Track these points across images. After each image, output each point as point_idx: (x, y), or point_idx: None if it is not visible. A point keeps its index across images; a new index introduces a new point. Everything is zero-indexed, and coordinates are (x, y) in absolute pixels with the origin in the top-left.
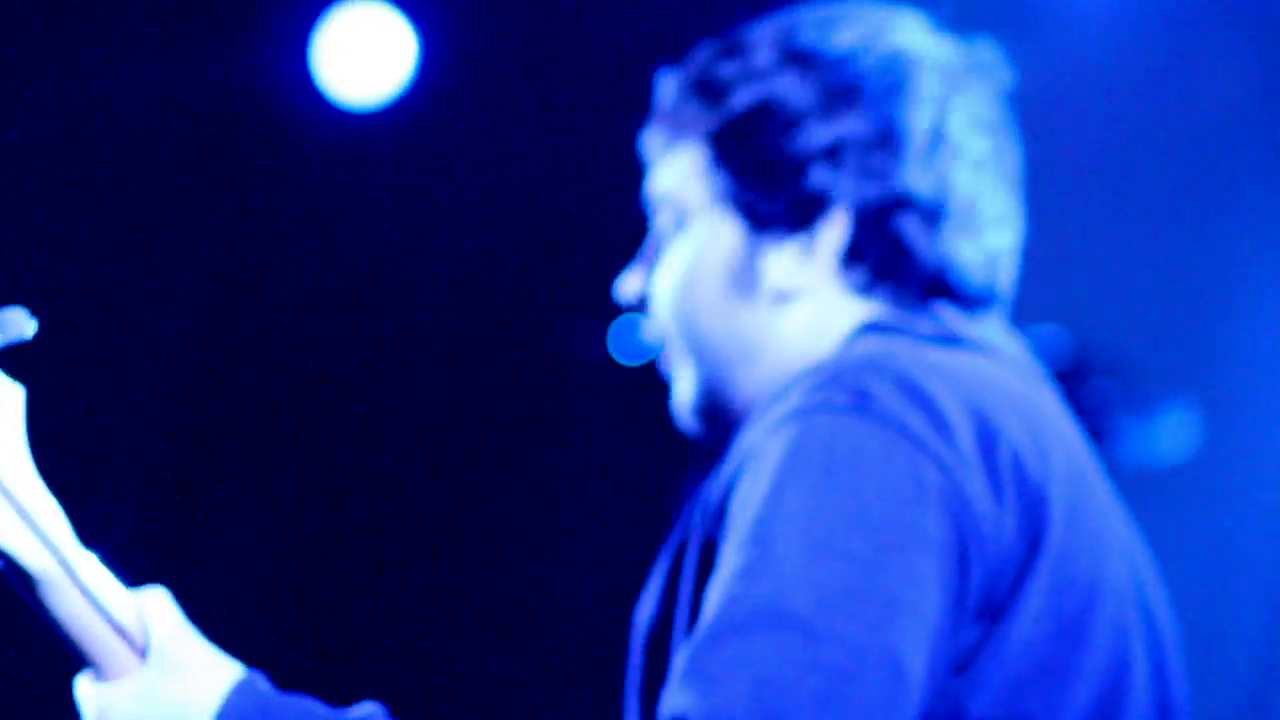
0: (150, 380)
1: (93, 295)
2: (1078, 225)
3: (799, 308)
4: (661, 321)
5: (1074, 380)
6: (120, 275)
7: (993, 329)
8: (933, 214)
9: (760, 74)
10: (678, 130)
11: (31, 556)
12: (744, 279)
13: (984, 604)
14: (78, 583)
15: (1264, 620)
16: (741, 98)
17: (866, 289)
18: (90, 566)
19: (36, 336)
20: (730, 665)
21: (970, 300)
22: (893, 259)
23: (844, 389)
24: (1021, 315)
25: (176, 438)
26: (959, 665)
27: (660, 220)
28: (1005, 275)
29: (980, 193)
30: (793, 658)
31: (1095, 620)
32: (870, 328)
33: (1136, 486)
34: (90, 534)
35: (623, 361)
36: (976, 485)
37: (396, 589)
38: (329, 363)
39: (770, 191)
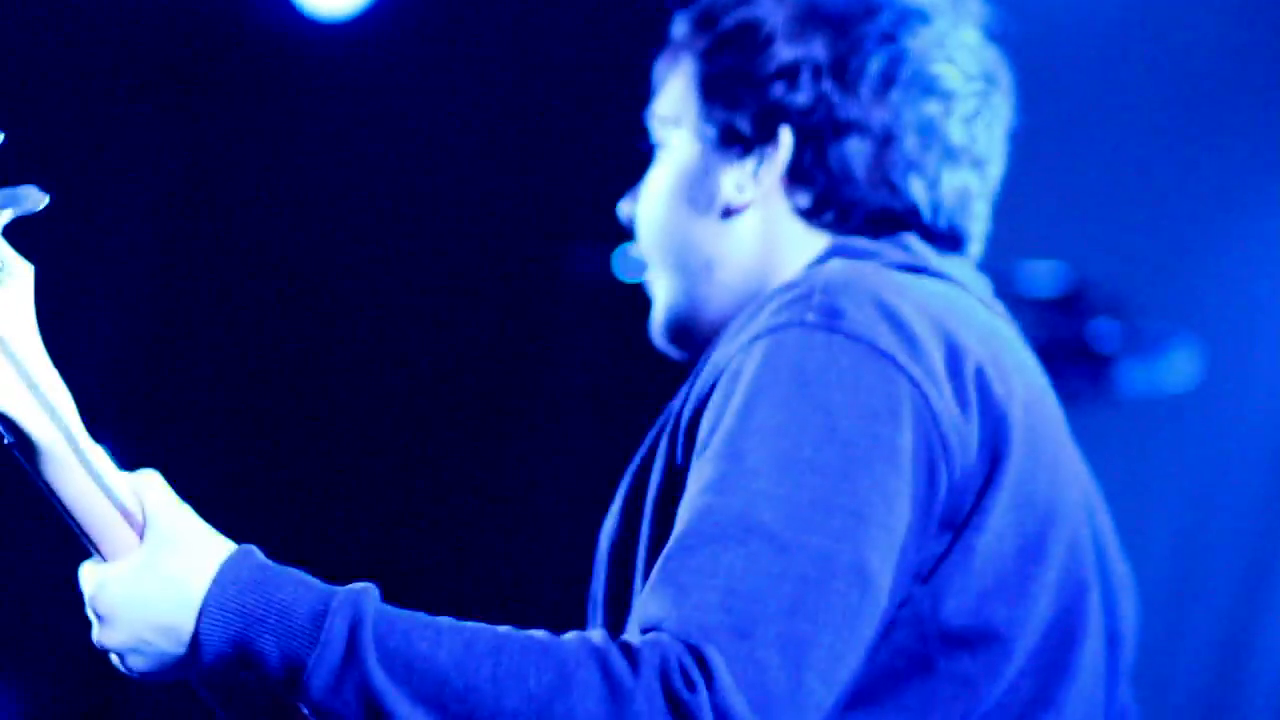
0: (116, 296)
1: (56, 211)
2: (1076, 163)
3: (746, 221)
4: (639, 236)
5: (1073, 313)
6: (87, 186)
7: (959, 265)
8: (883, 145)
9: (748, 2)
10: (677, 56)
11: (40, 429)
12: (699, 192)
13: (949, 515)
14: (82, 459)
15: (1245, 551)
16: (726, 22)
17: (810, 212)
18: (91, 446)
19: None
20: (701, 575)
21: (928, 236)
22: (834, 184)
23: (814, 307)
24: (1021, 252)
25: (141, 348)
26: (924, 574)
27: (659, 141)
28: (972, 215)
29: (947, 131)
30: (762, 567)
31: (1054, 539)
32: (839, 250)
33: (1132, 418)
34: None
35: (624, 278)
36: (944, 399)
37: (381, 485)
38: (302, 277)
39: (729, 107)
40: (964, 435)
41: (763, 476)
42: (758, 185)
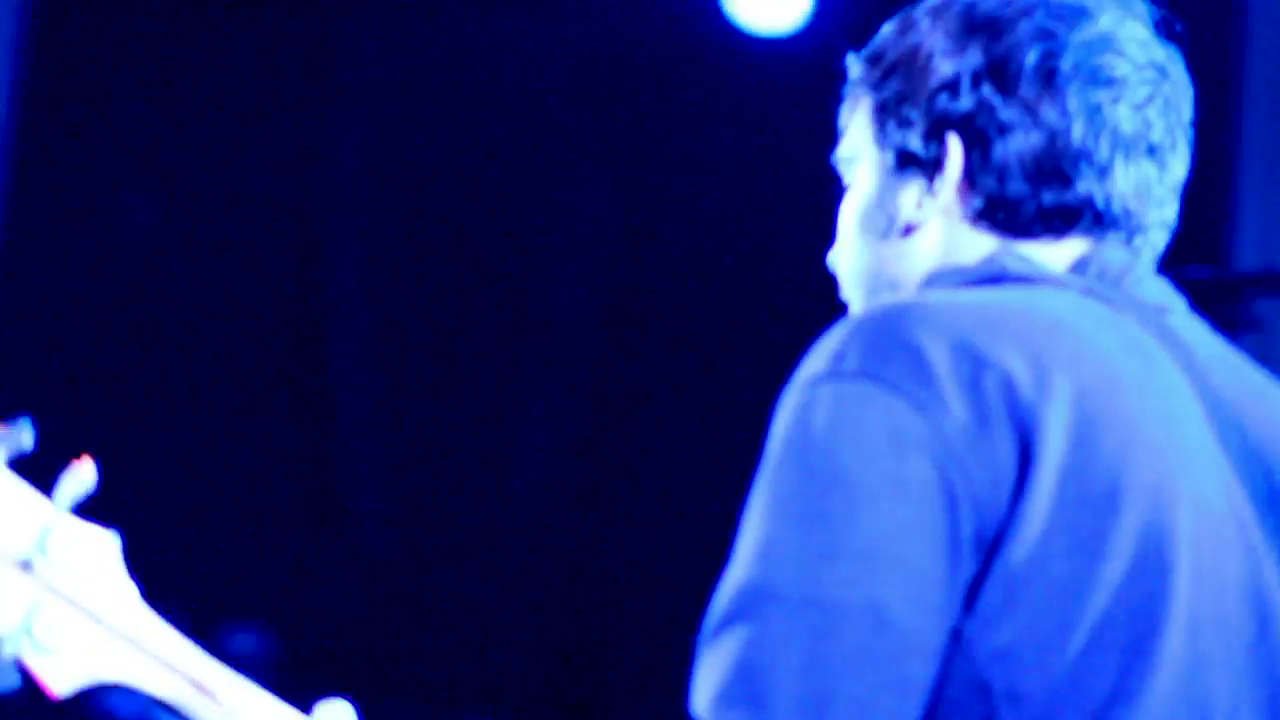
0: (567, 324)
1: (500, 241)
2: None
3: (928, 235)
4: (840, 279)
5: None
6: (528, 209)
7: (1112, 256)
8: (1050, 139)
9: (908, 29)
10: (855, 98)
11: (159, 684)
12: (880, 216)
13: (980, 535)
14: (212, 697)
15: None
16: (891, 54)
17: (982, 214)
18: (231, 682)
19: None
20: (720, 657)
21: (1101, 225)
22: (1003, 183)
23: (823, 356)
24: None
25: (598, 366)
26: (967, 598)
27: (847, 184)
28: (1152, 203)
29: (1116, 118)
30: (772, 633)
31: (1118, 529)
32: (927, 280)
33: None
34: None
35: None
36: (954, 417)
37: None
38: (751, 291)
39: (900, 128)
40: (981, 449)
41: (772, 543)
42: (935, 198)
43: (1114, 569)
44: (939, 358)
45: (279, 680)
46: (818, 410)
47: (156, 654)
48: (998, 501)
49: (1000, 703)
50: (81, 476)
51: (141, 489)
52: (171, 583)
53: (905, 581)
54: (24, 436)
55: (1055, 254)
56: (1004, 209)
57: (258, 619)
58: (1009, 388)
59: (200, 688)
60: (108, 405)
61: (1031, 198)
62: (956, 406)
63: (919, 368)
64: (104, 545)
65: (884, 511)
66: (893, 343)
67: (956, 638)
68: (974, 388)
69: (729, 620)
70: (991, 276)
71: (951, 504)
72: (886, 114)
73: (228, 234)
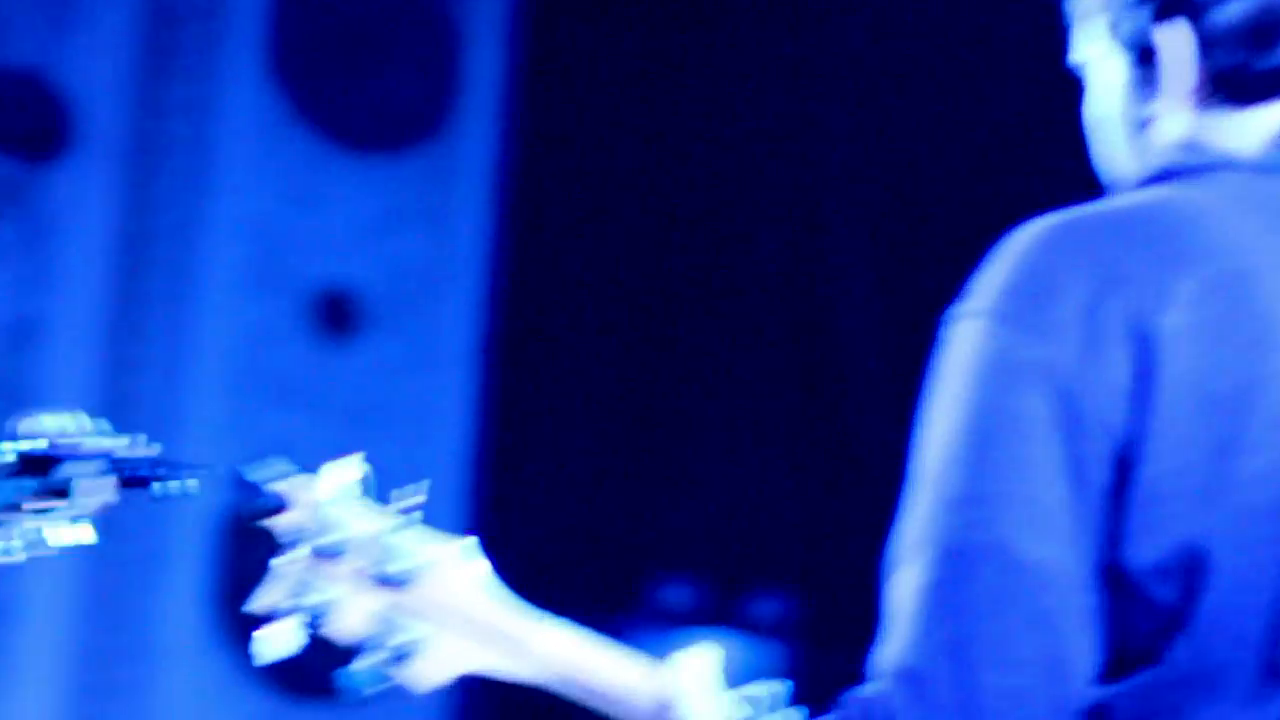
0: None
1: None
2: None
3: (1164, 130)
4: (1102, 177)
5: None
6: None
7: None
8: (1251, 5)
9: None
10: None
11: (520, 670)
12: (1121, 116)
13: (1114, 453)
14: (578, 677)
15: None
16: None
17: (1208, 97)
18: (601, 657)
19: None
20: (889, 608)
21: None
22: (1218, 62)
23: (968, 291)
24: None
25: None
26: (1116, 527)
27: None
28: None
29: None
30: (918, 582)
31: (1254, 423)
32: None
33: None
34: None
35: None
36: (1069, 344)
37: None
38: None
39: (1123, 25)
40: (1094, 370)
41: (920, 489)
42: (1168, 88)
43: (1255, 463)
44: (1063, 282)
45: (803, 644)
46: (955, 350)
47: (521, 643)
48: (1119, 420)
49: (1171, 620)
50: (418, 496)
51: (671, 467)
52: (698, 556)
53: (1031, 518)
54: (363, 468)
55: (1268, 120)
56: (1224, 84)
57: (783, 584)
58: (1127, 302)
59: (569, 666)
60: (626, 397)
61: (1245, 65)
62: (1072, 331)
63: (1041, 296)
64: (454, 548)
65: (1006, 450)
66: (1023, 272)
67: (1114, 565)
68: (1092, 308)
69: (893, 571)
70: (1162, 174)
71: (1072, 433)
72: (1110, 12)
73: (733, 230)
